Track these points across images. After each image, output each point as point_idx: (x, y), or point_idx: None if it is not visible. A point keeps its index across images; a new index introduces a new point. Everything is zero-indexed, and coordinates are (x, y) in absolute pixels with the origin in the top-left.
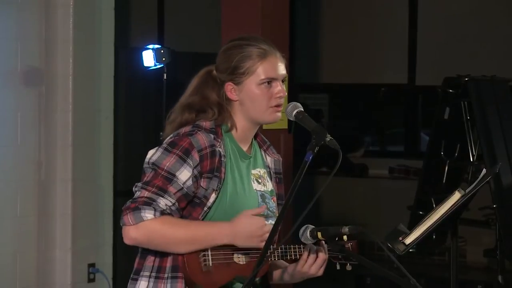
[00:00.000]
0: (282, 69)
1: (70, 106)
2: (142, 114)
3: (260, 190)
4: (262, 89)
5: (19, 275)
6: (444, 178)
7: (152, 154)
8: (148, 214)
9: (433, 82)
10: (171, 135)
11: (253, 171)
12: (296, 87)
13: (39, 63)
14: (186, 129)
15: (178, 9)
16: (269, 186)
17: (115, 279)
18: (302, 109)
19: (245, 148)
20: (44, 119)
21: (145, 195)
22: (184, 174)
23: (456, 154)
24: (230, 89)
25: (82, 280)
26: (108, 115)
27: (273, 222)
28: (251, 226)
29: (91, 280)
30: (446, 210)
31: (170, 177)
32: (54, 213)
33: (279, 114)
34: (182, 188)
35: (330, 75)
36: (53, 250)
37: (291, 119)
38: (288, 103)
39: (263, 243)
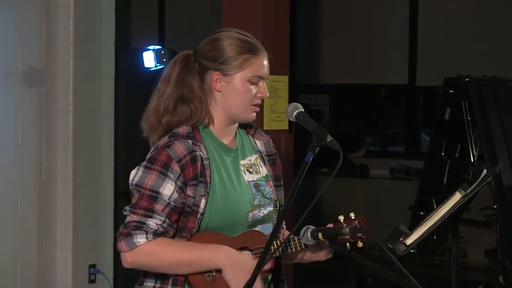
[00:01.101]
0: (268, 69)
1: (70, 106)
2: (142, 115)
3: (252, 180)
4: (248, 85)
5: (19, 276)
6: (445, 179)
7: (134, 175)
8: (140, 239)
9: (433, 82)
10: (151, 150)
11: (242, 162)
12: (297, 88)
13: (40, 63)
14: (164, 140)
15: (179, 10)
16: (263, 171)
17: (116, 279)
18: (303, 110)
19: (228, 141)
20: (44, 120)
21: (134, 219)
22: (168, 189)
23: (456, 155)
24: (216, 79)
25: (83, 281)
26: (108, 116)
27: (270, 209)
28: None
29: (92, 280)
30: (447, 211)
31: (155, 195)
32: (55, 213)
33: (255, 114)
34: (169, 203)
35: (330, 76)
36: (53, 250)
37: (292, 119)
38: (288, 103)
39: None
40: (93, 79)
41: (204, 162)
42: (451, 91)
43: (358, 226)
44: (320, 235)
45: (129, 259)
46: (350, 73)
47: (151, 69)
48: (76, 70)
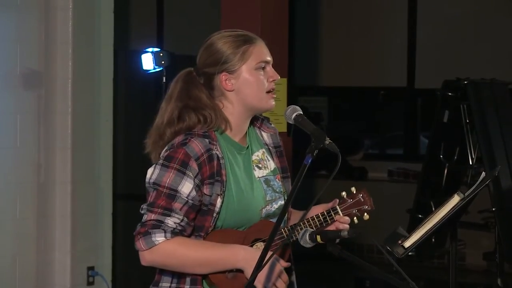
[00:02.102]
0: (269, 54)
1: (69, 108)
2: (141, 117)
3: (262, 176)
4: (257, 74)
5: (18, 278)
6: (444, 181)
7: (151, 173)
8: (158, 237)
9: (432, 85)
10: (166, 148)
11: (252, 158)
12: (296, 90)
13: (39, 66)
14: (179, 138)
15: (177, 12)
16: (271, 165)
17: (114, 282)
18: (301, 112)
19: (239, 139)
20: (43, 122)
21: (152, 218)
22: (186, 187)
23: (455, 157)
24: (225, 79)
25: (81, 283)
26: (107, 118)
27: (281, 202)
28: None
29: (90, 283)
30: (446, 213)
31: (173, 193)
32: (54, 215)
33: (274, 102)
34: (187, 201)
35: (329, 78)
36: (52, 252)
37: (290, 122)
38: (287, 106)
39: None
40: (92, 81)
41: (220, 161)
42: (450, 93)
43: (362, 199)
44: (318, 237)
45: (148, 258)
46: (349, 76)
47: (150, 71)
48: (74, 72)
